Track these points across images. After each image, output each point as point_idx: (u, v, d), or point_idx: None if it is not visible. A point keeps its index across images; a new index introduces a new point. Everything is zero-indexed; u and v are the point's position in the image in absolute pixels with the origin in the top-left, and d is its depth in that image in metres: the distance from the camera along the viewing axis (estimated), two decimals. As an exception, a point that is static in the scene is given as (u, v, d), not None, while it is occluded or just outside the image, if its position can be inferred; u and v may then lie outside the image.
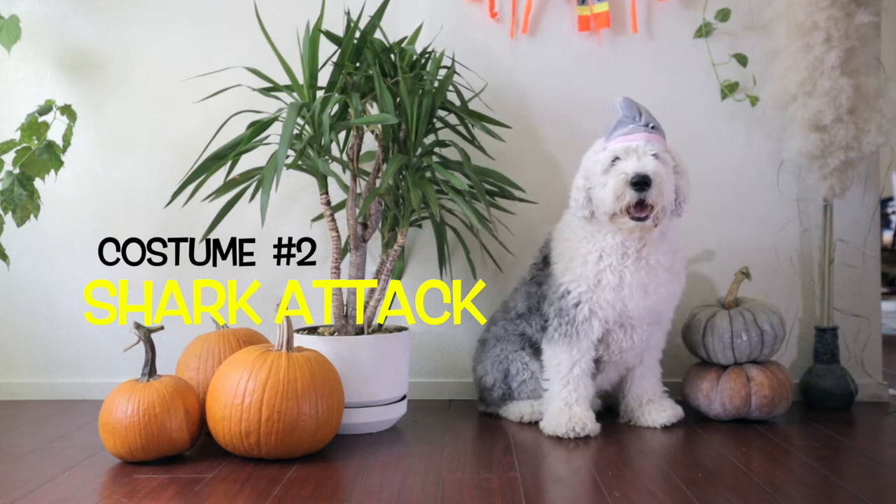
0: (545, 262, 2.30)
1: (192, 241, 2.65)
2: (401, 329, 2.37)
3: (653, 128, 2.12)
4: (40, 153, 2.41)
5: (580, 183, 2.16)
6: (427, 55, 2.34)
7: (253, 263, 2.69)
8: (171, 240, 2.69)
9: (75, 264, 2.70)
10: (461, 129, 2.43)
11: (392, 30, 2.56)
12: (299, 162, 2.23)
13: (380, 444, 2.13)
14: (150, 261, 2.69)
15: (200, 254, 2.67)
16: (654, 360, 2.33)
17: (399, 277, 2.61)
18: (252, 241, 2.68)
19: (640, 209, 2.06)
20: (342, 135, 2.45)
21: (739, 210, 2.64)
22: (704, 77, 2.63)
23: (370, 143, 2.43)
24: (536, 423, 2.30)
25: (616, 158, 2.08)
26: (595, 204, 2.12)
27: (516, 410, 2.35)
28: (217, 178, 2.34)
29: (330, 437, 2.04)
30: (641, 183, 2.01)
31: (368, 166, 2.46)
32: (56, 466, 1.95)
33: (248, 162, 2.41)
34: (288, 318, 2.05)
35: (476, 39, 2.64)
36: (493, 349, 2.40)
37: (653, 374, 2.32)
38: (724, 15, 2.57)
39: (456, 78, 2.46)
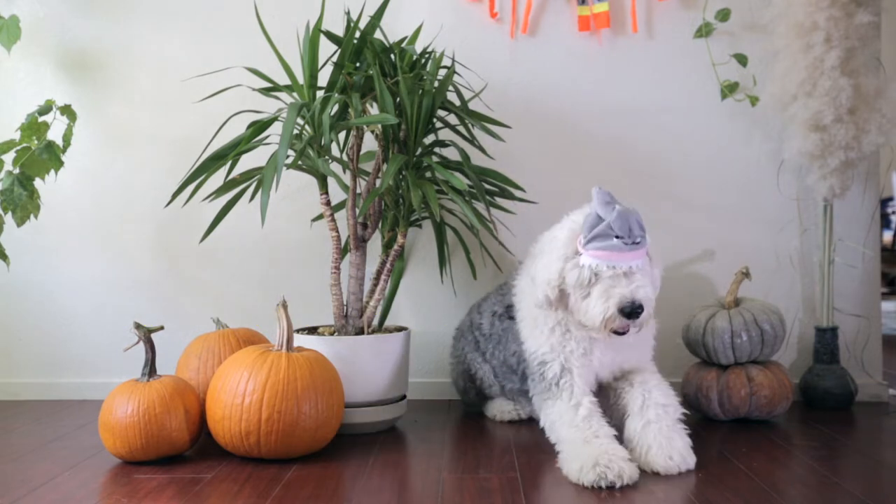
0: (508, 311, 2.20)
1: (193, 240, 2.64)
2: (401, 329, 2.37)
3: (637, 243, 1.84)
4: (40, 153, 2.41)
5: (549, 279, 1.90)
6: (427, 55, 2.34)
7: (253, 263, 2.69)
8: (171, 240, 2.69)
9: (75, 264, 2.70)
10: (461, 129, 2.43)
11: (392, 30, 2.56)
12: (299, 162, 2.23)
13: (380, 444, 2.13)
14: (150, 261, 2.69)
15: (200, 253, 2.67)
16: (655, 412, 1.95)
17: (399, 277, 2.61)
18: (252, 241, 2.68)
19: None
20: (342, 135, 2.45)
21: (739, 210, 2.64)
22: (704, 77, 2.63)
23: (370, 143, 2.43)
24: (518, 421, 2.33)
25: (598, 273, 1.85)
26: (572, 309, 1.90)
27: (491, 410, 2.38)
28: (217, 178, 2.34)
29: (330, 437, 2.04)
30: (634, 313, 1.81)
31: (368, 166, 2.46)
32: (56, 466, 1.95)
33: (248, 162, 2.41)
34: (288, 318, 2.05)
35: (476, 39, 2.64)
36: (456, 345, 2.44)
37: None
38: (724, 15, 2.57)
39: (456, 78, 2.46)
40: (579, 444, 1.83)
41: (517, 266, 2.29)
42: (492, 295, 2.37)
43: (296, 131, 2.19)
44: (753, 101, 2.58)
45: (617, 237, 1.81)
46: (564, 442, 1.88)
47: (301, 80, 2.26)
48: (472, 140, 2.41)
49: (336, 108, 2.23)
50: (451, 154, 2.45)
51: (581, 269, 1.84)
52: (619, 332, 1.89)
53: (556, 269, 1.89)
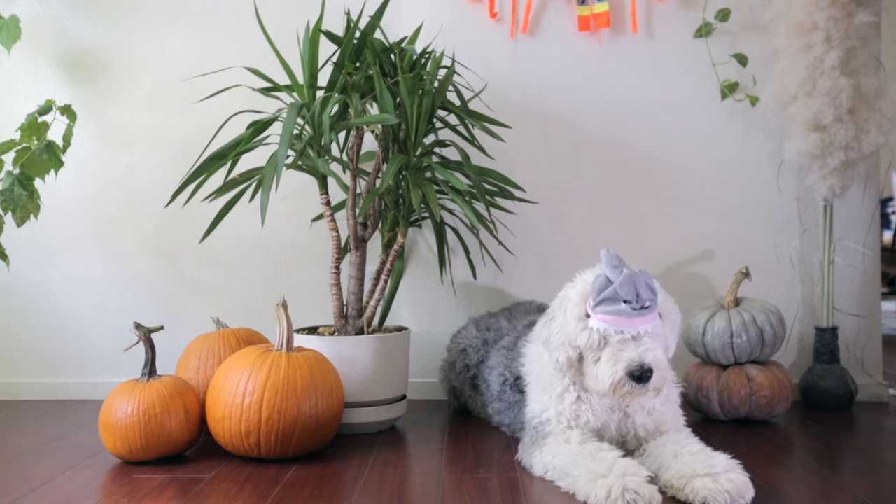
0: (517, 384, 2.08)
1: (193, 240, 2.64)
2: (401, 329, 2.37)
3: (646, 307, 1.77)
4: (40, 153, 2.41)
5: (568, 339, 1.83)
6: (427, 55, 2.34)
7: (253, 263, 2.69)
8: (171, 240, 2.69)
9: (75, 264, 2.70)
10: (461, 129, 2.43)
11: (392, 30, 2.56)
12: (299, 162, 2.23)
13: (380, 444, 2.13)
14: (150, 261, 2.69)
15: (200, 254, 2.67)
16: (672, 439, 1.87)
17: (399, 277, 2.61)
18: (252, 241, 2.68)
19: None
20: (342, 135, 2.45)
21: (739, 210, 2.64)
22: (704, 77, 2.63)
23: (370, 143, 2.43)
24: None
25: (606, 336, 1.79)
26: (585, 373, 1.83)
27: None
28: (217, 178, 2.34)
29: (330, 437, 2.04)
30: (643, 377, 1.74)
31: (368, 166, 2.46)
32: (56, 466, 1.95)
33: (248, 162, 2.41)
34: (288, 318, 2.05)
35: (476, 39, 2.64)
36: (455, 353, 2.40)
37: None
38: (724, 15, 2.57)
39: (456, 78, 2.46)
40: (591, 465, 1.69)
41: (523, 328, 2.20)
42: (504, 334, 2.25)
43: (296, 131, 2.19)
44: (753, 101, 2.58)
45: (625, 301, 1.76)
46: (574, 474, 1.72)
47: (301, 80, 2.26)
48: (472, 140, 2.41)
49: (336, 108, 2.23)
50: (451, 154, 2.46)
51: (591, 332, 1.79)
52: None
53: (572, 328, 1.83)
